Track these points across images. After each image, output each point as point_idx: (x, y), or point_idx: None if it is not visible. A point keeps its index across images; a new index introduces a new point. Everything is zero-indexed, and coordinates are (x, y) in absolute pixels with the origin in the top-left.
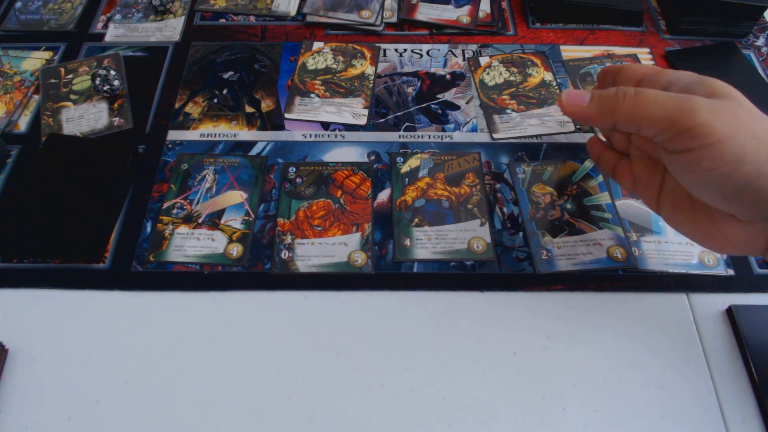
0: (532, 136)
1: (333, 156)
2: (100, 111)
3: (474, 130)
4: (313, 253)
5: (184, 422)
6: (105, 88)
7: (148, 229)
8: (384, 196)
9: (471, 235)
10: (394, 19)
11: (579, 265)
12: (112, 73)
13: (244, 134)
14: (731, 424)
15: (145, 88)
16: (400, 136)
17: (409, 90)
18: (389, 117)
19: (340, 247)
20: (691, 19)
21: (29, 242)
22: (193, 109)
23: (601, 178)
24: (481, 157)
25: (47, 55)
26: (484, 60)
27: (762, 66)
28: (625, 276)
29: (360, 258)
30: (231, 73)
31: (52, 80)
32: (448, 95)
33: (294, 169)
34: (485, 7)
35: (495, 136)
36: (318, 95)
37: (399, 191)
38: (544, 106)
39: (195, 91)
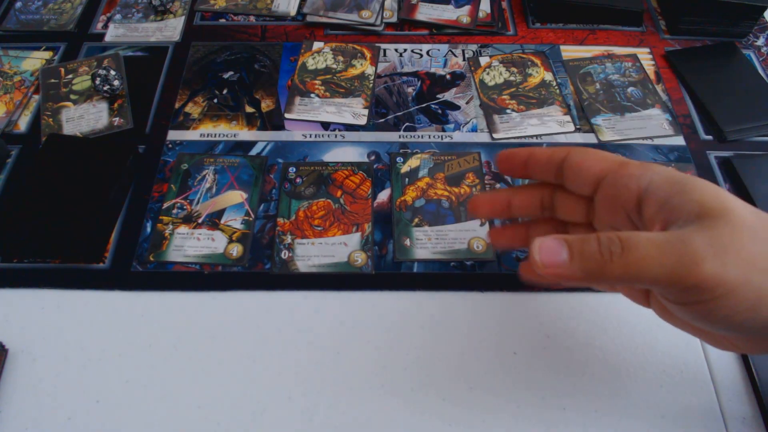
0: (532, 136)
1: (333, 156)
2: (100, 111)
3: (474, 130)
4: (313, 253)
5: (184, 422)
6: (105, 88)
7: (148, 229)
8: (384, 196)
9: (471, 235)
10: (394, 19)
11: None
12: (112, 73)
13: (244, 134)
14: (731, 424)
15: (145, 88)
16: (400, 136)
17: (409, 90)
18: (389, 117)
19: (340, 247)
20: (691, 19)
21: (29, 242)
22: (193, 109)
23: None
24: (481, 157)
25: (47, 55)
26: (484, 60)
27: (762, 66)
28: None
29: (360, 258)
30: (231, 73)
31: (52, 80)
32: (448, 95)
33: (294, 169)
34: (485, 7)
35: (495, 136)
36: (318, 95)
37: (399, 191)
38: (544, 106)
39: (195, 91)
